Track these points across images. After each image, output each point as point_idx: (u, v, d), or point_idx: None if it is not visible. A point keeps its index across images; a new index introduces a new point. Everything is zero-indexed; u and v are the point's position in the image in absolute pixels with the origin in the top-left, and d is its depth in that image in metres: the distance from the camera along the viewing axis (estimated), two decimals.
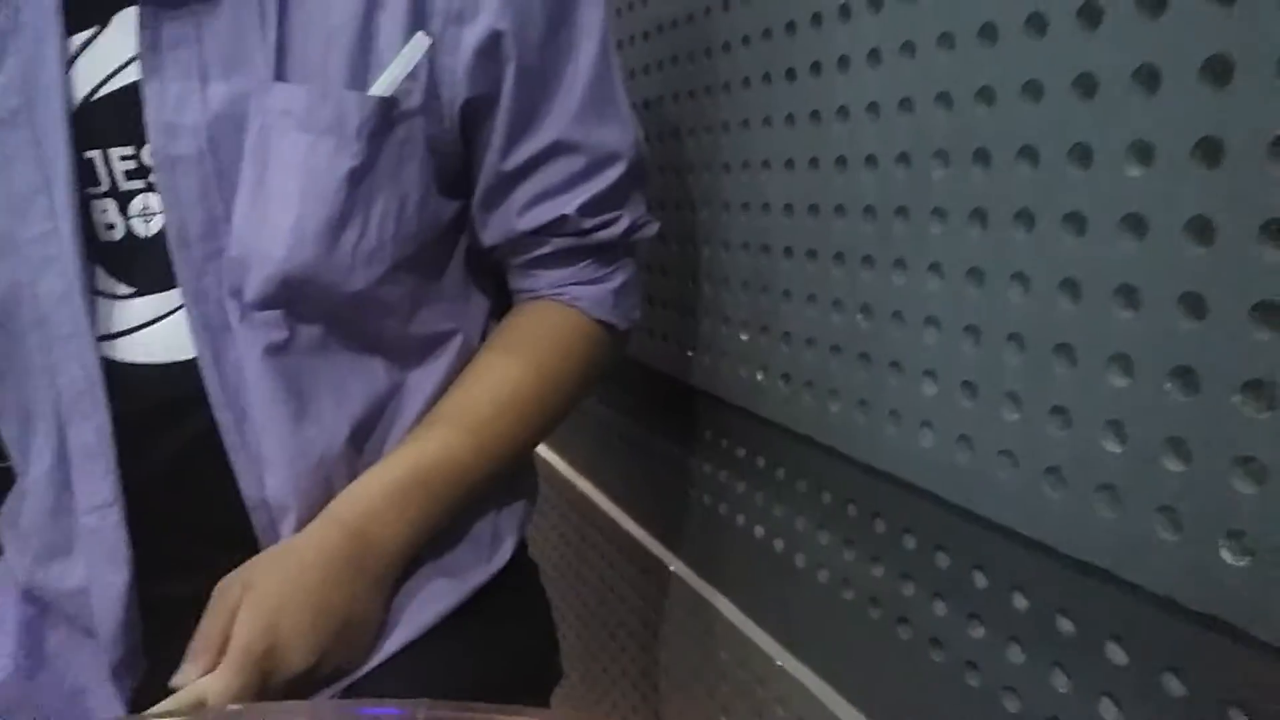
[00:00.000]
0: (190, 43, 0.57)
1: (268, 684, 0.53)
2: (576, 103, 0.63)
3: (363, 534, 0.58)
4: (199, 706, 0.50)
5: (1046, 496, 0.46)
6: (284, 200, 0.57)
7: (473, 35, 0.59)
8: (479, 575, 0.68)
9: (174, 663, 0.62)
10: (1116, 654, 0.45)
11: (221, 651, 0.53)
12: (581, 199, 0.64)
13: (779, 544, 0.72)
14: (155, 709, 0.51)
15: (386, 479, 0.60)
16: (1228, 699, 0.39)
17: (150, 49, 0.56)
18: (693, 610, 0.85)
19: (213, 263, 0.58)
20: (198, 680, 0.52)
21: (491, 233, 0.66)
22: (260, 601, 0.54)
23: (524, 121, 0.63)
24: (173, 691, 0.52)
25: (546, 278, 0.68)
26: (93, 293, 0.60)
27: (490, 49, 0.60)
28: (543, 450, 1.22)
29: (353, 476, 0.62)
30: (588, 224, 0.65)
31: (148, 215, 0.59)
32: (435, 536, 0.65)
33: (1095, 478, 0.43)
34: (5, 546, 0.70)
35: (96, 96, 0.59)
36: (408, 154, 0.60)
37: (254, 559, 0.58)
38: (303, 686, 0.55)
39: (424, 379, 0.65)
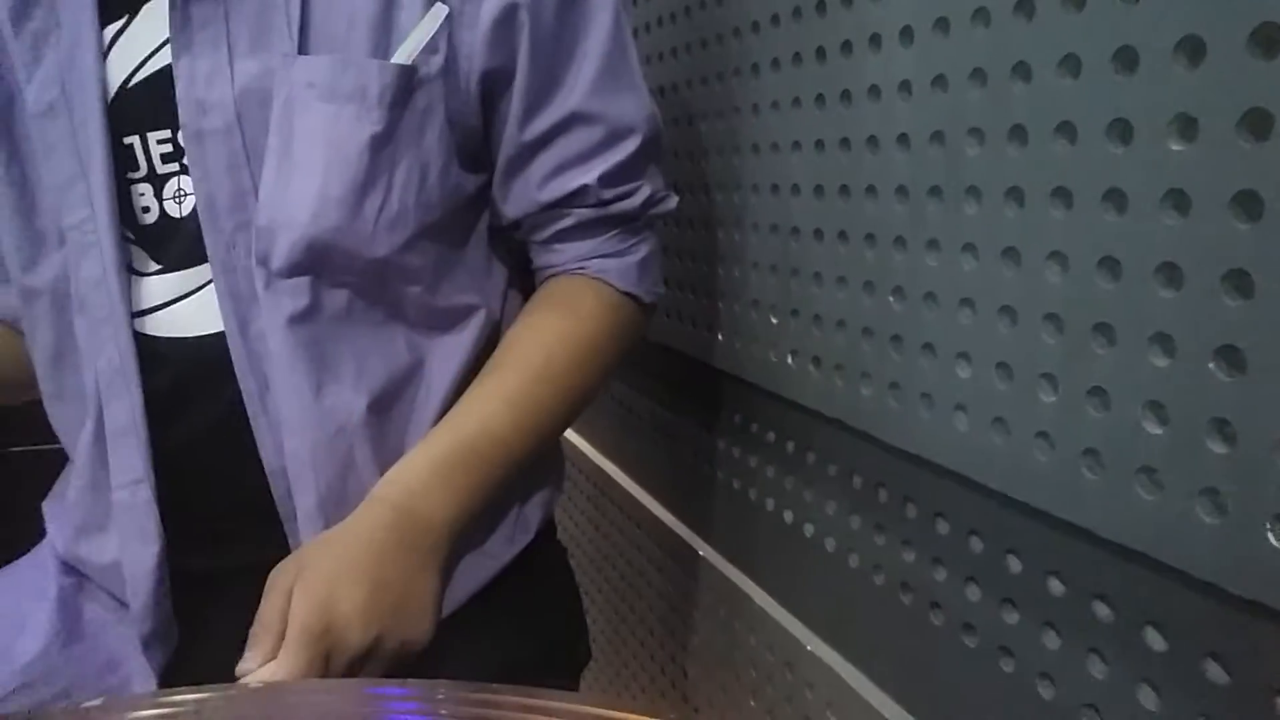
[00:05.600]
0: (218, 21, 0.58)
1: (330, 664, 0.52)
2: (592, 75, 0.64)
3: (409, 511, 0.58)
4: None
5: (1084, 479, 0.45)
6: (308, 168, 0.58)
7: (490, 8, 0.60)
8: (505, 554, 0.68)
9: (206, 636, 0.63)
10: (1156, 640, 0.44)
11: (281, 635, 0.52)
12: (600, 169, 0.65)
13: (809, 528, 0.72)
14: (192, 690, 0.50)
15: (428, 456, 0.60)
16: (1272, 686, 0.39)
17: (180, 29, 0.58)
18: (721, 594, 0.84)
19: (241, 234, 0.59)
20: (261, 669, 0.51)
21: (513, 205, 0.67)
22: (313, 580, 0.53)
23: (541, 93, 0.63)
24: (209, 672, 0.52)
25: (570, 251, 0.68)
26: (130, 273, 0.62)
27: (506, 20, 0.60)
28: (570, 434, 1.22)
29: (375, 447, 0.62)
30: (608, 194, 0.66)
31: (180, 196, 0.61)
32: None
33: (1135, 460, 0.42)
34: (48, 524, 0.72)
35: (132, 83, 0.61)
36: (428, 123, 0.61)
37: (306, 544, 0.58)
38: (368, 665, 0.55)
39: (448, 352, 0.66)
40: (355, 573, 0.54)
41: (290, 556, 0.56)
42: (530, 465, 0.67)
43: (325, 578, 0.53)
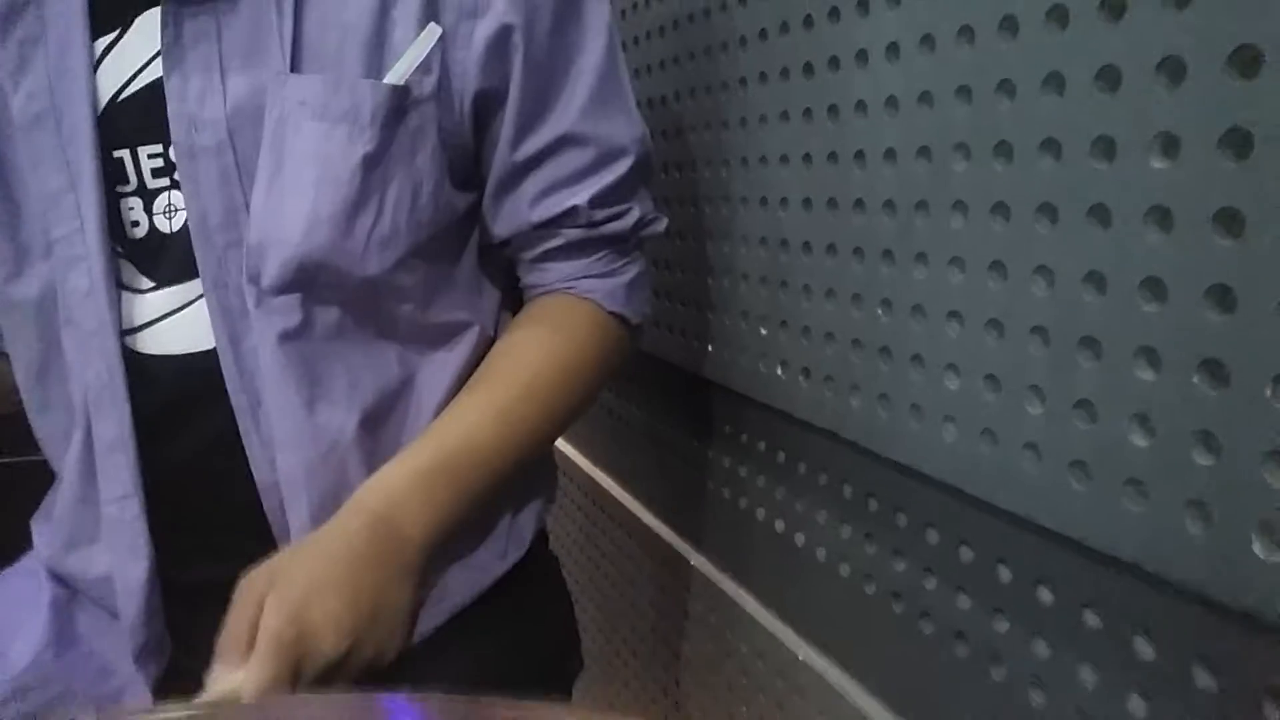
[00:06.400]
0: (210, 38, 0.58)
1: (300, 673, 0.52)
2: (584, 97, 0.64)
3: (388, 521, 0.57)
4: (233, 702, 0.49)
5: (1072, 490, 0.46)
6: (300, 187, 0.58)
7: (484, 29, 0.60)
8: (497, 567, 0.69)
9: (199, 648, 0.63)
10: (1145, 648, 0.45)
11: (251, 644, 0.51)
12: (591, 191, 0.65)
13: (800, 538, 0.72)
14: (184, 704, 0.50)
15: (410, 466, 0.60)
16: (1261, 693, 0.39)
17: (172, 45, 0.58)
18: (713, 603, 0.85)
19: (232, 250, 0.59)
20: (231, 675, 0.50)
21: (503, 224, 0.67)
22: (288, 590, 0.52)
23: (533, 114, 0.64)
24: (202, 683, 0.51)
25: (558, 271, 0.68)
26: (119, 288, 0.62)
27: (500, 42, 0.61)
28: (562, 444, 1.22)
29: (368, 463, 0.62)
30: (598, 215, 0.66)
31: (170, 212, 0.61)
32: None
33: (1122, 471, 0.43)
34: (35, 538, 0.72)
35: (122, 97, 0.61)
36: (420, 143, 0.61)
37: (280, 553, 0.57)
38: (338, 675, 0.54)
39: (439, 369, 0.66)
40: (330, 582, 0.53)
41: (263, 564, 0.55)
42: (517, 478, 0.67)
43: (300, 586, 0.53)
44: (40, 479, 0.72)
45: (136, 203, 0.61)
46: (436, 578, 0.64)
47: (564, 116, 0.64)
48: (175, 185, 0.60)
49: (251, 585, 0.54)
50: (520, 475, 0.66)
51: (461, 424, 0.62)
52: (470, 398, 0.64)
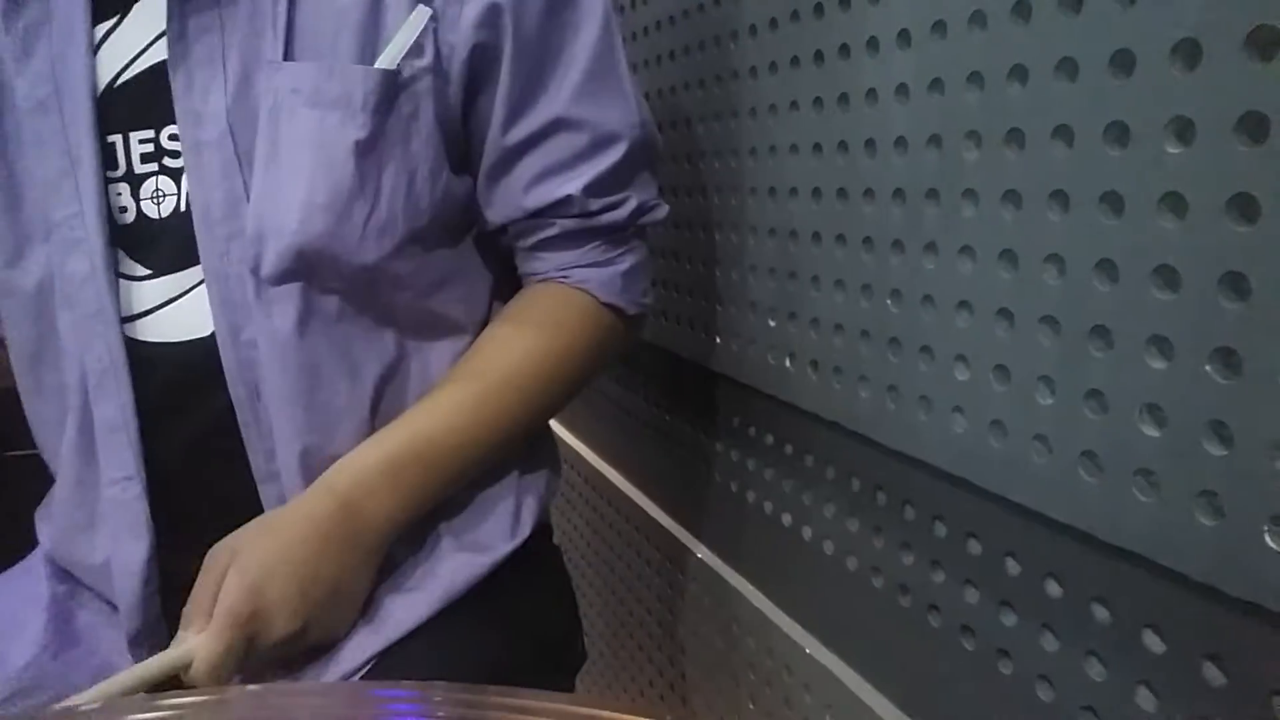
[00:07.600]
0: (214, 31, 0.59)
1: (253, 647, 0.54)
2: (577, 80, 0.64)
3: (354, 505, 0.59)
4: (185, 666, 0.52)
5: (1082, 482, 0.45)
6: (295, 175, 0.58)
7: (472, 10, 0.60)
8: (499, 550, 0.68)
9: None
10: (1154, 642, 0.44)
11: (210, 615, 0.54)
12: (586, 178, 0.65)
13: (807, 531, 0.72)
14: (147, 667, 0.52)
15: (382, 452, 0.61)
16: (1271, 689, 0.39)
17: (177, 39, 0.59)
18: (719, 597, 0.84)
19: (235, 241, 0.59)
20: (187, 642, 0.53)
21: (497, 211, 0.67)
22: (247, 567, 0.55)
23: (525, 96, 0.63)
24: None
25: (553, 260, 0.68)
26: (116, 274, 0.62)
27: (488, 22, 0.60)
28: (568, 436, 1.22)
29: None
30: (594, 205, 0.66)
31: (159, 197, 0.61)
32: (455, 512, 0.66)
33: (1132, 463, 0.42)
34: (39, 530, 0.72)
35: (119, 82, 0.61)
36: (415, 128, 0.61)
37: (244, 526, 0.59)
38: (287, 651, 0.57)
39: (440, 357, 0.66)
40: (291, 565, 0.56)
41: (228, 537, 0.57)
42: (524, 461, 0.68)
43: (259, 563, 0.55)
44: (46, 472, 0.72)
45: (124, 188, 0.61)
46: (422, 565, 0.65)
47: (556, 99, 0.63)
48: (164, 171, 0.61)
49: (215, 559, 0.56)
50: (498, 458, 0.67)
51: (437, 412, 0.63)
52: (448, 386, 0.64)
